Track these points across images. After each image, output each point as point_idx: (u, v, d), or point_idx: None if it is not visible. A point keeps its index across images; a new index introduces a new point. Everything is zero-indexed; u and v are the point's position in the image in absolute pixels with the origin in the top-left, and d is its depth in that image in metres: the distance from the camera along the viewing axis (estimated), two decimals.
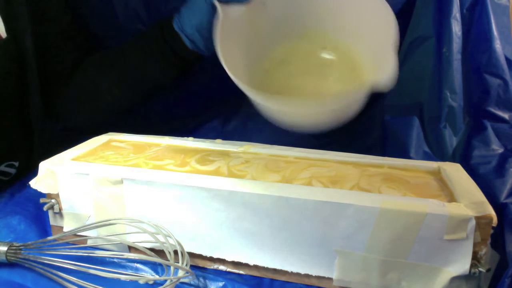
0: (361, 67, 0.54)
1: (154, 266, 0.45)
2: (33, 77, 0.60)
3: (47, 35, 0.61)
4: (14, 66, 0.57)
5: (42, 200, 0.48)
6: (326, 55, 0.58)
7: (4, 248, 0.43)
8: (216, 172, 0.46)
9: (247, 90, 0.45)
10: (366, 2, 0.52)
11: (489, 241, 0.38)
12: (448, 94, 0.60)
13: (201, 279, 0.43)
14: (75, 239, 0.49)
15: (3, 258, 0.43)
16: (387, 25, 0.49)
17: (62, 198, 0.47)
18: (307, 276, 0.42)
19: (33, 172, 0.48)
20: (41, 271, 0.42)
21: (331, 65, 0.57)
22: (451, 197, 0.41)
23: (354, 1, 0.54)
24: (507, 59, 0.56)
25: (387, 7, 0.50)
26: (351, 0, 0.54)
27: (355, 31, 0.54)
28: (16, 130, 0.61)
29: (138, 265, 0.45)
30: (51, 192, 0.48)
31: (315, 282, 0.43)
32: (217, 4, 0.50)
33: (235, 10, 0.51)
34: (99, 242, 0.48)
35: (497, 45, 0.56)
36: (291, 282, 0.44)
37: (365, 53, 0.54)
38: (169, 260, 0.41)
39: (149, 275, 0.44)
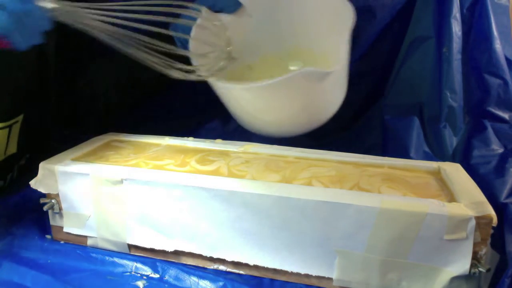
0: None
1: (154, 265, 0.45)
2: (53, 76, 0.61)
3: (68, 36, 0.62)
4: (36, 66, 0.58)
5: (42, 200, 0.48)
6: (293, 66, 0.63)
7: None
8: (216, 172, 0.46)
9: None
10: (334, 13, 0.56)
11: (489, 241, 0.38)
12: (448, 94, 0.60)
13: (201, 279, 0.43)
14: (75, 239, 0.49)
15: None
16: (347, 22, 0.51)
17: (62, 198, 0.47)
18: (307, 276, 0.42)
19: (33, 172, 0.48)
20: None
21: None
22: (451, 197, 0.41)
23: (325, 16, 0.58)
24: (507, 59, 0.56)
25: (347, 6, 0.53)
26: (323, 14, 0.58)
27: (328, 42, 0.58)
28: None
29: (138, 264, 0.45)
30: (51, 192, 0.48)
31: (315, 282, 0.43)
32: (202, 9, 0.55)
33: (222, 18, 0.56)
34: (99, 242, 0.48)
35: (497, 45, 0.56)
36: (291, 282, 0.44)
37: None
38: None
39: (150, 272, 0.44)
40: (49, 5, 0.40)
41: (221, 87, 0.51)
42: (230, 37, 0.51)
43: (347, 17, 0.51)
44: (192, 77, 0.48)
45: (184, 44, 0.58)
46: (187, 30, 0.57)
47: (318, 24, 0.59)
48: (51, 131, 0.70)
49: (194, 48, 0.53)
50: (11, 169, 0.61)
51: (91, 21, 0.42)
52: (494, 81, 0.56)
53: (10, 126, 0.55)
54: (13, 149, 0.58)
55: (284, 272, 0.43)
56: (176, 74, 0.47)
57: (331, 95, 0.53)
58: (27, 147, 0.61)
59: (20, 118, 0.56)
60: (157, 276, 0.44)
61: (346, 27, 0.50)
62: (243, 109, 0.54)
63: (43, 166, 0.47)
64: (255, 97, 0.50)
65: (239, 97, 0.52)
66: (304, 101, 0.51)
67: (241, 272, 0.45)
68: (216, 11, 0.56)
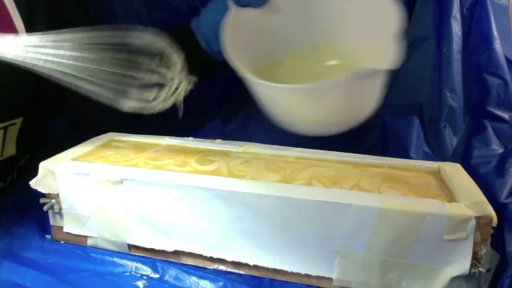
0: None
1: (154, 265, 0.45)
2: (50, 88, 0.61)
3: None
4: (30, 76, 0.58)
5: (42, 200, 0.48)
6: (332, 62, 0.60)
7: None
8: (216, 172, 0.46)
9: (249, 76, 0.46)
10: (371, 7, 0.53)
11: (489, 241, 0.38)
12: (448, 94, 0.60)
13: (201, 279, 0.43)
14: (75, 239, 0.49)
15: None
16: (391, 20, 0.49)
17: (62, 198, 0.47)
18: (307, 276, 0.42)
19: (33, 172, 0.48)
20: None
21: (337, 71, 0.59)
22: (451, 197, 0.41)
23: (360, 10, 0.55)
24: (507, 59, 0.56)
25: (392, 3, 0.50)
26: (358, 8, 0.55)
27: (363, 38, 0.55)
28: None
29: (138, 264, 0.45)
30: (51, 192, 0.48)
31: (315, 282, 0.43)
32: (230, 3, 0.53)
33: (249, 13, 0.54)
34: (99, 242, 0.48)
35: (497, 45, 0.56)
36: (291, 282, 0.44)
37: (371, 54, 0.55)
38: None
39: (150, 272, 0.44)
40: None
41: (267, 87, 0.47)
42: (183, 62, 0.49)
43: (392, 16, 0.49)
44: (149, 107, 0.47)
45: (210, 44, 0.56)
46: (213, 26, 0.54)
47: (353, 18, 0.56)
48: (51, 131, 0.70)
49: (231, 48, 0.50)
50: (11, 170, 0.60)
51: (17, 56, 0.40)
52: (494, 81, 0.56)
53: (5, 128, 0.54)
54: (11, 151, 0.58)
55: (284, 272, 0.43)
56: (128, 107, 0.45)
57: (375, 94, 0.51)
58: (27, 148, 0.61)
59: (18, 120, 0.56)
60: (157, 276, 0.44)
61: (392, 25, 0.48)
62: (283, 109, 0.51)
63: (43, 166, 0.47)
64: (302, 98, 0.48)
65: (283, 97, 0.49)
66: (350, 100, 0.49)
67: (241, 272, 0.45)
68: (243, 5, 0.54)
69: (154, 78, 0.46)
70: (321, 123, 0.51)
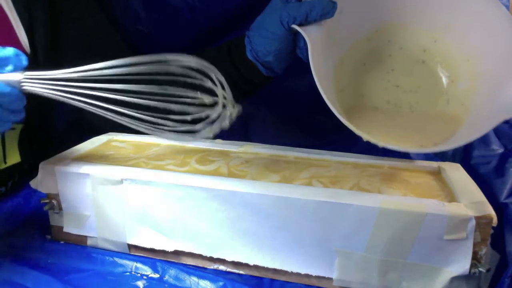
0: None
1: (154, 265, 0.45)
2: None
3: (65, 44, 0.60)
4: None
5: (42, 200, 0.48)
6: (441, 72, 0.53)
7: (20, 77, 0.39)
8: (216, 172, 0.46)
9: (352, 127, 0.45)
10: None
11: (489, 241, 0.38)
12: None
13: (201, 279, 0.43)
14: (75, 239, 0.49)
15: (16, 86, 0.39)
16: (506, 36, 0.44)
17: (62, 198, 0.47)
18: (307, 276, 0.42)
19: (34, 174, 0.48)
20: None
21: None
22: (451, 197, 0.41)
23: None
24: None
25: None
26: None
27: (447, 25, 0.51)
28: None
29: (138, 264, 0.45)
30: (51, 192, 0.48)
31: (315, 282, 0.43)
32: (301, 31, 0.46)
33: (314, 27, 0.48)
34: (99, 242, 0.48)
35: None
36: (291, 282, 0.44)
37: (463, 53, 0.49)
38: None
39: (150, 272, 0.44)
40: (18, 77, 0.38)
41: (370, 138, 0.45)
42: (227, 86, 0.44)
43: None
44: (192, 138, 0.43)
45: (274, 69, 0.53)
46: (277, 54, 0.51)
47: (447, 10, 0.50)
48: (51, 132, 0.70)
49: (328, 96, 0.44)
50: (13, 176, 0.60)
51: (56, 91, 0.40)
52: None
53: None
54: (16, 158, 0.57)
55: (284, 272, 0.43)
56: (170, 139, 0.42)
57: None
58: (33, 155, 0.61)
59: (18, 126, 0.56)
60: (157, 276, 0.44)
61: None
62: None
63: (43, 166, 0.47)
64: None
65: None
66: None
67: (241, 272, 0.45)
68: (305, 24, 0.48)
69: (195, 109, 0.42)
70: None
